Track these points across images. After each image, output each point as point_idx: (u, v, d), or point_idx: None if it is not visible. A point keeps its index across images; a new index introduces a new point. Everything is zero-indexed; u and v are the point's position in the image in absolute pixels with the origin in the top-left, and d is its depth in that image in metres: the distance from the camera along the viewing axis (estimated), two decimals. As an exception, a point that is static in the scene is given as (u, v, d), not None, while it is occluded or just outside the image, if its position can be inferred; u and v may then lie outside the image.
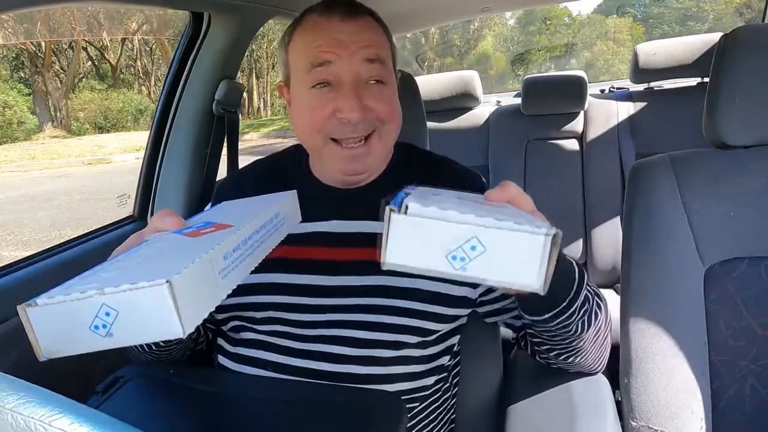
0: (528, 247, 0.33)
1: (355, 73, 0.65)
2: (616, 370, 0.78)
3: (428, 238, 0.33)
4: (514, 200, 0.46)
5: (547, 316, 0.59)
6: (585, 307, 0.61)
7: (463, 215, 0.33)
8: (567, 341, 0.64)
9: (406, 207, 0.33)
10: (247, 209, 0.52)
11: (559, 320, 0.59)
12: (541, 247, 0.32)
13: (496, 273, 0.33)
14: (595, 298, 0.65)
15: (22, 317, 0.33)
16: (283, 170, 0.78)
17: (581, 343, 0.65)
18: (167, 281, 0.32)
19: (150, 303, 0.32)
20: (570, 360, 0.68)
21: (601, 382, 0.74)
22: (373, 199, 0.56)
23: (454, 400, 0.80)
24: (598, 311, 0.64)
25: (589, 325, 0.63)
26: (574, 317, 0.60)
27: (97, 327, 0.33)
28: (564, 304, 0.58)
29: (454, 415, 0.80)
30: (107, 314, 0.32)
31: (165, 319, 0.32)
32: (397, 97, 0.71)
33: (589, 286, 0.64)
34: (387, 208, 0.33)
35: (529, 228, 0.33)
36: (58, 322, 0.33)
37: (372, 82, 0.66)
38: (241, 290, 0.70)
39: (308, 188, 0.70)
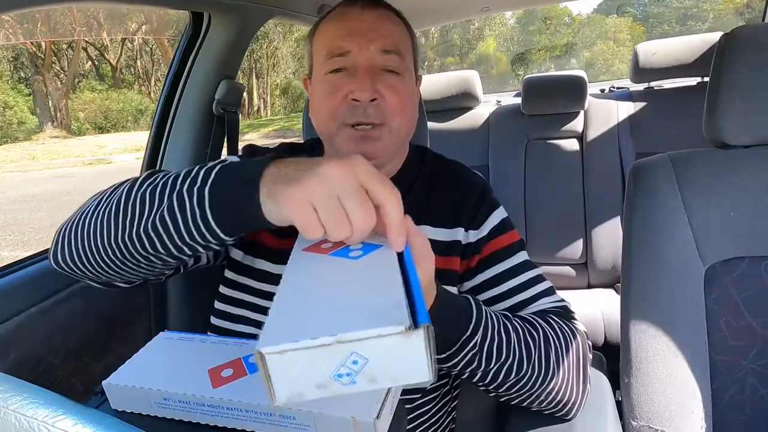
0: (408, 346, 0.31)
1: (371, 61, 0.66)
2: (616, 370, 0.78)
3: (309, 365, 0.30)
4: (419, 255, 0.44)
5: (440, 356, 0.56)
6: (495, 343, 0.57)
7: (332, 331, 0.30)
8: (492, 382, 0.59)
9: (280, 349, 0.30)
10: None
11: (455, 362, 0.56)
12: (423, 343, 0.31)
13: (384, 378, 0.31)
14: (528, 336, 0.60)
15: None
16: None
17: (515, 384, 0.59)
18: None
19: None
20: (514, 403, 0.64)
21: (602, 382, 0.74)
22: None
23: (455, 402, 0.80)
24: (529, 350, 0.59)
25: (514, 363, 0.58)
26: (476, 356, 0.56)
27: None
28: (457, 345, 0.55)
29: (454, 417, 0.81)
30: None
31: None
32: (413, 93, 0.71)
33: (526, 325, 0.60)
34: (256, 351, 0.30)
35: (400, 327, 0.30)
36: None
37: (387, 71, 0.67)
38: (260, 276, 0.70)
39: None
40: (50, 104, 13.68)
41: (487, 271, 0.69)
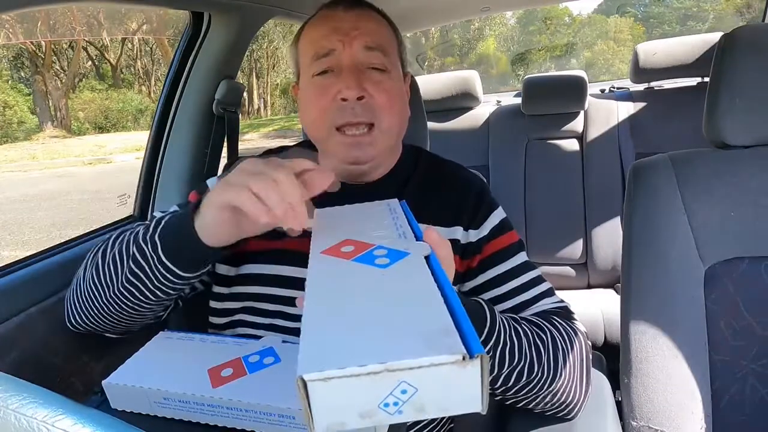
0: (462, 376, 0.29)
1: (355, 57, 0.66)
2: (616, 370, 0.78)
3: (354, 394, 0.29)
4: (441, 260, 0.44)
5: None
6: (508, 349, 0.57)
7: (381, 357, 0.28)
8: (508, 385, 0.59)
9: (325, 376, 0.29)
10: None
11: None
12: (478, 374, 0.29)
13: (433, 408, 0.29)
14: (538, 341, 0.59)
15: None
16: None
17: (525, 387, 0.59)
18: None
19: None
20: (519, 405, 0.63)
21: (602, 382, 0.74)
22: (380, 195, 0.57)
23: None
24: (539, 353, 0.59)
25: (526, 365, 0.58)
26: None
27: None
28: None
29: (453, 416, 0.81)
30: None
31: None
32: (400, 91, 0.71)
33: (535, 331, 0.60)
34: (297, 377, 0.28)
35: (456, 356, 0.29)
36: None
37: (373, 69, 0.67)
38: (250, 280, 0.70)
39: None
40: (50, 104, 13.68)
41: (488, 271, 0.69)
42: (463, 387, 0.29)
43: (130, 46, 15.45)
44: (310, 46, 0.69)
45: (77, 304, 0.67)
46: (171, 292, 0.59)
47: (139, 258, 0.57)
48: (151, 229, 0.58)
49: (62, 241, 0.99)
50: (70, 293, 0.69)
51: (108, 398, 0.51)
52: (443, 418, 0.77)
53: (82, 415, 0.23)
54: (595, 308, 1.59)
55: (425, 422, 0.73)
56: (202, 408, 0.47)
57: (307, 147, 0.79)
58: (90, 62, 15.68)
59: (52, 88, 13.76)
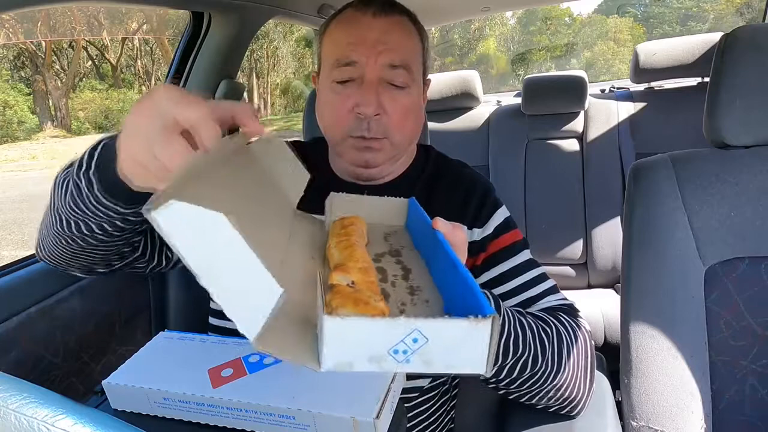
0: (472, 334, 0.31)
1: (378, 75, 0.66)
2: (616, 370, 0.78)
3: (367, 336, 0.30)
4: (454, 248, 0.45)
5: None
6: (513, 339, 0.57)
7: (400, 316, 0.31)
8: (513, 382, 0.59)
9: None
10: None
11: None
12: (488, 334, 0.31)
13: (440, 363, 0.31)
14: (543, 334, 0.60)
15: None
16: (307, 158, 0.79)
17: (534, 384, 0.59)
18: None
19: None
20: (523, 400, 0.63)
21: (602, 382, 0.74)
22: (393, 195, 0.57)
23: (453, 402, 0.80)
24: (543, 346, 0.59)
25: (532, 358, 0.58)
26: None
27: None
28: None
29: (453, 417, 0.81)
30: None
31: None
32: (417, 105, 0.70)
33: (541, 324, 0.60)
34: (320, 313, 0.31)
35: (471, 316, 0.31)
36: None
37: (393, 85, 0.67)
38: None
39: (329, 181, 0.71)
40: (50, 104, 13.68)
41: (493, 269, 0.70)
42: (472, 346, 0.31)
43: (130, 45, 15.45)
44: (335, 49, 0.68)
45: (43, 233, 0.61)
46: (107, 220, 0.54)
47: (73, 179, 0.52)
48: (87, 154, 0.52)
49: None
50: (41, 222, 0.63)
51: (108, 398, 0.51)
52: (443, 418, 0.77)
53: (82, 415, 0.23)
54: (595, 308, 1.59)
55: (425, 422, 0.73)
56: (202, 408, 0.47)
57: (317, 143, 0.79)
58: (90, 62, 15.69)
59: (52, 88, 13.77)
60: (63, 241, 0.58)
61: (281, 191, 0.53)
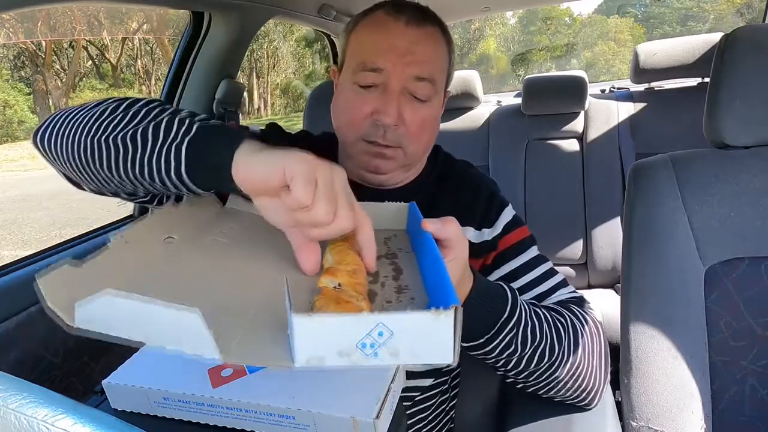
0: (435, 325, 0.32)
1: (403, 85, 0.65)
2: (616, 370, 0.78)
3: (336, 332, 0.32)
4: (448, 242, 0.48)
5: (480, 341, 0.57)
6: (527, 330, 0.58)
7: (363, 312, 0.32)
8: (522, 370, 0.61)
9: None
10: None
11: (493, 346, 0.57)
12: (451, 325, 0.32)
13: (406, 354, 0.32)
14: (558, 323, 0.61)
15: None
16: (314, 151, 0.78)
17: (545, 373, 0.61)
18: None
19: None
20: (542, 392, 0.65)
21: (601, 382, 0.74)
22: (401, 200, 0.58)
23: (453, 402, 0.80)
24: (559, 335, 0.61)
25: (543, 350, 0.59)
26: (512, 342, 0.57)
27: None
28: (496, 327, 0.56)
29: (453, 417, 0.81)
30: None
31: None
32: (435, 118, 0.71)
33: (553, 312, 0.62)
34: (289, 312, 0.32)
35: (433, 308, 0.32)
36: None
37: (415, 97, 0.66)
38: None
39: None
40: (50, 103, 13.68)
41: (503, 266, 0.70)
42: (436, 337, 0.32)
43: (130, 45, 15.45)
44: (361, 51, 0.66)
45: (60, 126, 0.54)
46: (155, 187, 0.50)
47: (150, 134, 0.48)
48: (186, 124, 0.48)
49: (61, 240, 0.99)
50: (64, 113, 0.56)
51: (108, 398, 0.51)
52: (443, 417, 0.77)
53: (82, 414, 0.23)
54: (595, 308, 1.59)
55: (425, 422, 0.73)
56: (202, 408, 0.47)
57: (327, 138, 0.78)
58: (90, 62, 15.68)
59: (52, 88, 13.77)
60: (86, 171, 0.53)
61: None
